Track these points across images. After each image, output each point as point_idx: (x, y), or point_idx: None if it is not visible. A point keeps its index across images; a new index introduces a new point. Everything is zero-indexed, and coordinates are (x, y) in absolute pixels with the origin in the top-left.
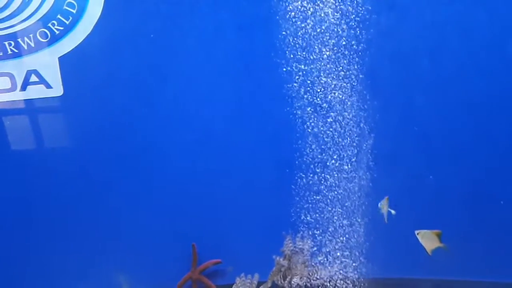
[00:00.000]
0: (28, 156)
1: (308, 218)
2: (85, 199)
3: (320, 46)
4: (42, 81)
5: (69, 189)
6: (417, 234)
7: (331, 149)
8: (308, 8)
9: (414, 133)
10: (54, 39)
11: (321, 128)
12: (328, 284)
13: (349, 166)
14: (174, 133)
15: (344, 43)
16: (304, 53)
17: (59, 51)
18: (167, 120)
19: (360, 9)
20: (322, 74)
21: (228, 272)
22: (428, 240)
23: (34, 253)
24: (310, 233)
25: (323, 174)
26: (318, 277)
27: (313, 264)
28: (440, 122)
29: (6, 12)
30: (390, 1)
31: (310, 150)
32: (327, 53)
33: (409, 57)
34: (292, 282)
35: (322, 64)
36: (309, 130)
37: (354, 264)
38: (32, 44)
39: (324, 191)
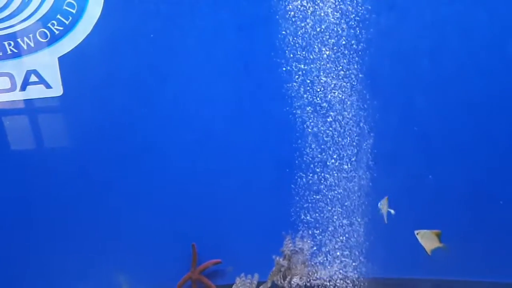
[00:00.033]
0: (28, 156)
1: (308, 217)
2: (85, 199)
3: (320, 45)
4: (41, 81)
5: (69, 189)
6: (417, 234)
7: (331, 149)
8: (308, 7)
9: (414, 133)
10: (54, 39)
11: (321, 128)
12: (328, 284)
13: (349, 166)
14: (174, 133)
15: (344, 42)
16: (304, 52)
17: (58, 51)
18: (167, 120)
19: (360, 8)
20: (322, 74)
21: (228, 272)
22: (427, 240)
23: (34, 253)
24: (310, 232)
25: (323, 174)
26: (318, 277)
27: (313, 264)
28: (440, 122)
29: (6, 12)
30: (390, 1)
31: (310, 150)
32: (327, 52)
33: (409, 57)
34: (292, 282)
35: (322, 63)
36: (309, 130)
37: (354, 264)
38: (32, 44)
39: (324, 191)
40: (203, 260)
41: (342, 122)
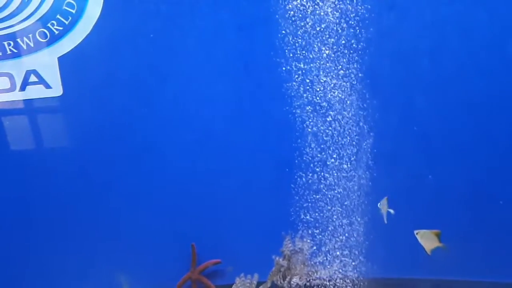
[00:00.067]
0: (28, 156)
1: (307, 217)
2: (85, 199)
3: (319, 45)
4: (41, 81)
5: (68, 189)
6: (417, 234)
7: (331, 148)
8: (307, 7)
9: (414, 133)
10: (54, 39)
11: (321, 127)
12: (328, 284)
13: (349, 165)
14: (174, 133)
15: (343, 42)
16: (303, 52)
17: (58, 51)
18: (167, 120)
19: (360, 8)
20: (321, 73)
21: (227, 272)
22: (427, 240)
23: (34, 253)
24: (310, 232)
25: (322, 173)
26: (317, 277)
27: (312, 264)
28: (440, 122)
29: (6, 12)
30: (390, 1)
31: (310, 149)
32: (327, 52)
33: (409, 57)
34: (292, 282)
35: (322, 63)
36: (309, 129)
37: (353, 264)
38: (32, 44)
39: (324, 190)
40: (202, 260)
41: (342, 122)
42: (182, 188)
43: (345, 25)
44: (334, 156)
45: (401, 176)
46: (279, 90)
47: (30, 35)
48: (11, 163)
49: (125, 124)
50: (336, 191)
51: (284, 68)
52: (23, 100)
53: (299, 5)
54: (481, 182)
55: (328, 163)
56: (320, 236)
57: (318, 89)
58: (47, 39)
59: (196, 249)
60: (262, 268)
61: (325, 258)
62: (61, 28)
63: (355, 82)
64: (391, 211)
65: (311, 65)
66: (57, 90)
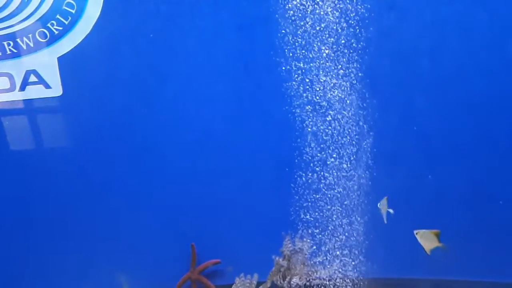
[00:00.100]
0: (28, 156)
1: (307, 217)
2: (84, 199)
3: (319, 44)
4: (41, 81)
5: (68, 189)
6: (416, 233)
7: (330, 148)
8: (307, 6)
9: (413, 133)
10: (53, 39)
11: (320, 127)
12: (328, 284)
13: (348, 165)
14: (174, 133)
15: (343, 41)
16: (303, 51)
17: (58, 51)
18: (167, 120)
19: (360, 7)
20: (321, 73)
21: (227, 272)
22: (427, 239)
23: (34, 253)
24: (310, 231)
25: (322, 173)
26: (317, 276)
27: (312, 263)
28: (440, 122)
29: (5, 12)
30: (390, 1)
31: (310, 149)
32: (326, 51)
33: (409, 57)
34: (292, 282)
35: (322, 62)
36: (309, 129)
37: (353, 264)
38: (31, 44)
39: (323, 190)
40: (202, 260)
41: (342, 121)
42: (182, 188)
43: (345, 24)
44: (334, 155)
45: (401, 176)
46: (279, 89)
47: (30, 35)
48: (11, 163)
49: (125, 124)
50: (336, 191)
51: (284, 68)
52: (23, 100)
53: (298, 5)
54: (481, 182)
55: (328, 162)
56: (320, 236)
57: (318, 89)
58: (46, 39)
59: (196, 249)
60: (262, 268)
61: (325, 258)
62: (60, 28)
63: (355, 82)
64: (391, 211)
65: (311, 64)
66: (56, 90)
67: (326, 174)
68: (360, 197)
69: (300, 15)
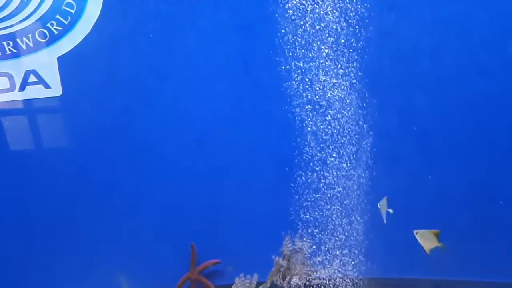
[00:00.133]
0: (27, 156)
1: (307, 216)
2: (84, 199)
3: (319, 44)
4: (40, 81)
5: (68, 189)
6: (416, 233)
7: (330, 148)
8: (307, 6)
9: (413, 133)
10: (53, 39)
11: (320, 127)
12: (328, 284)
13: (348, 165)
14: (174, 133)
15: (343, 41)
16: (303, 51)
17: (58, 51)
18: (167, 120)
19: (360, 7)
20: (321, 72)
21: (227, 272)
22: (426, 239)
23: (34, 253)
24: (310, 231)
25: (322, 173)
26: (317, 276)
27: (312, 263)
28: (440, 122)
29: (5, 12)
30: (390, 1)
31: (309, 149)
32: (326, 51)
33: (409, 57)
34: (292, 282)
35: (321, 62)
36: (308, 129)
37: (353, 263)
38: (31, 44)
39: (323, 190)
40: (202, 260)
41: (342, 121)
42: (182, 188)
43: (344, 24)
44: (334, 155)
45: (401, 176)
46: (278, 89)
47: (30, 35)
48: (11, 163)
49: (125, 124)
50: (335, 190)
51: (283, 67)
52: (23, 100)
53: (298, 4)
54: (481, 182)
55: (327, 162)
56: (320, 236)
57: (317, 88)
58: (46, 39)
59: (196, 249)
60: (262, 268)
61: (324, 258)
62: (60, 28)
63: (355, 81)
64: (391, 211)
65: (311, 64)
66: (56, 90)
67: (326, 174)
68: (360, 196)
69: (299, 14)
